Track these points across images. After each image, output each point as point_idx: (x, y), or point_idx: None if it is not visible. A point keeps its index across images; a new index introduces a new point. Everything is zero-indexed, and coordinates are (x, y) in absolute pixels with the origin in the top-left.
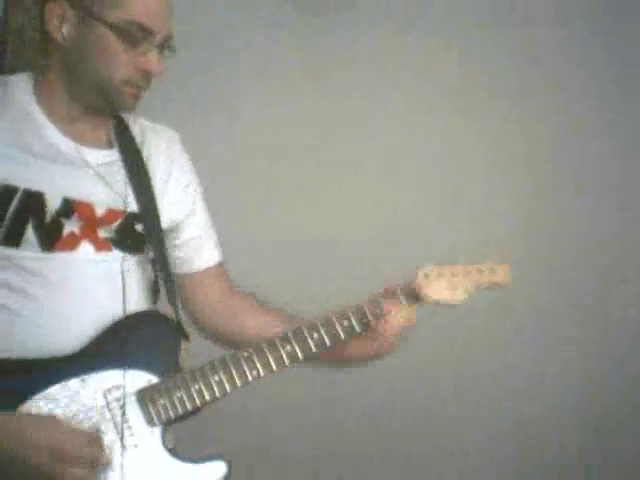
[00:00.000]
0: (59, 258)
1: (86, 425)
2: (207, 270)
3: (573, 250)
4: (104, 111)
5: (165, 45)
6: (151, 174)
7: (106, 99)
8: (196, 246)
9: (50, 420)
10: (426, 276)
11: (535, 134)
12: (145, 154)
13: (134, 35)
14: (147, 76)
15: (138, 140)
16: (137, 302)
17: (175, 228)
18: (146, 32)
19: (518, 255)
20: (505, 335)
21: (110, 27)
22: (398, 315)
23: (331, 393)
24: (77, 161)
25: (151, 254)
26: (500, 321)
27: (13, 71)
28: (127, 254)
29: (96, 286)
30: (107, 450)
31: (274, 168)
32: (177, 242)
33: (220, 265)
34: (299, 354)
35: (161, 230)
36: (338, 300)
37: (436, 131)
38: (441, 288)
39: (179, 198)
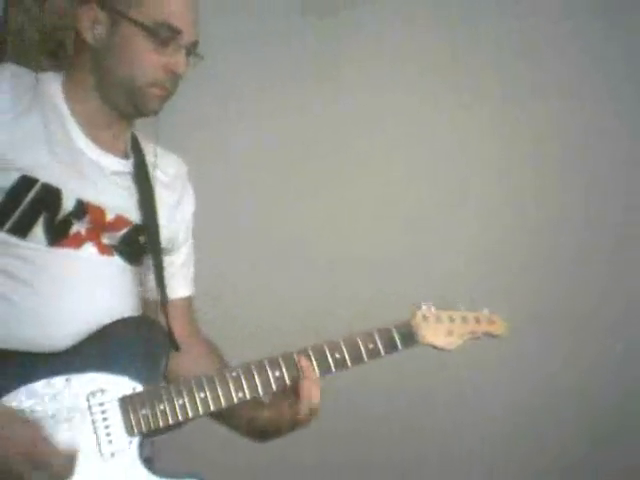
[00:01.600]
0: (63, 253)
1: (65, 425)
2: (176, 301)
3: (577, 252)
4: (129, 114)
5: (191, 49)
6: (157, 195)
7: (133, 100)
8: (174, 274)
9: (32, 421)
10: (424, 318)
11: (545, 133)
12: (154, 175)
13: (163, 35)
14: (174, 78)
15: (149, 160)
16: (132, 309)
17: (165, 251)
18: (175, 32)
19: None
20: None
21: (140, 26)
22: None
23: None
24: (95, 165)
25: (146, 267)
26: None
27: None
28: (127, 263)
29: (95, 287)
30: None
31: (284, 169)
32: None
33: (189, 300)
34: (286, 379)
35: (161, 246)
36: (349, 305)
37: (445, 130)
38: (437, 332)
39: (180, 226)
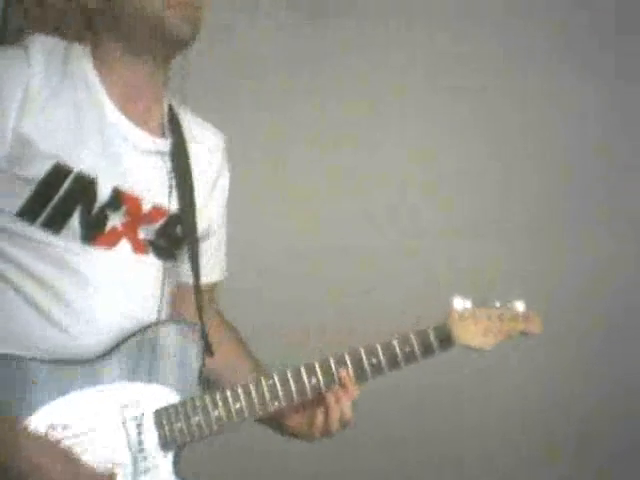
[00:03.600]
0: (97, 254)
1: (100, 442)
2: (207, 286)
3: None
4: (162, 53)
5: None
6: (195, 175)
7: (156, 32)
8: (209, 259)
9: (67, 453)
10: (461, 317)
11: (546, 140)
12: (192, 152)
13: None
14: None
15: (186, 135)
16: (166, 313)
17: (202, 239)
18: None
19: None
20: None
21: None
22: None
23: None
24: (130, 144)
25: (182, 262)
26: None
27: None
28: (162, 260)
29: (130, 290)
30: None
31: (273, 171)
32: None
33: (218, 285)
34: (322, 387)
35: (198, 235)
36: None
37: (440, 133)
38: (475, 332)
39: (216, 210)
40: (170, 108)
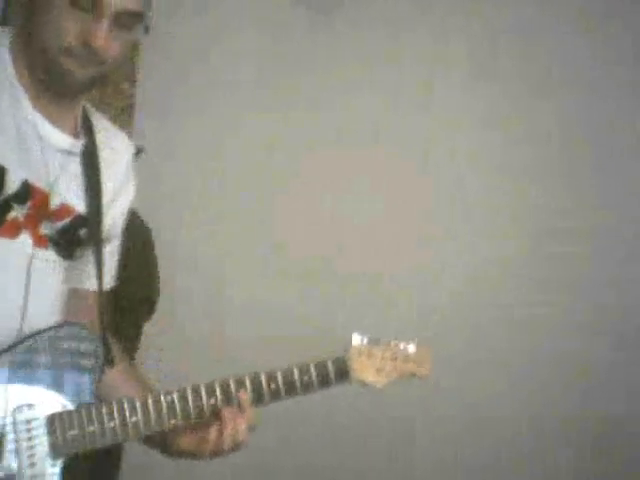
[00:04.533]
0: None
1: None
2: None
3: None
4: (50, 86)
5: (123, 22)
6: (104, 179)
7: (48, 68)
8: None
9: None
10: (359, 353)
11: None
12: (102, 155)
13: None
14: (90, 50)
15: (98, 138)
16: (61, 311)
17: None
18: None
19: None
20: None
21: None
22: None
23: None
24: (45, 141)
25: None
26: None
27: None
28: (61, 257)
29: (25, 284)
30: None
31: (276, 167)
32: None
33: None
34: (220, 408)
35: (102, 237)
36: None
37: (446, 131)
38: (368, 369)
39: (118, 216)
40: (84, 110)
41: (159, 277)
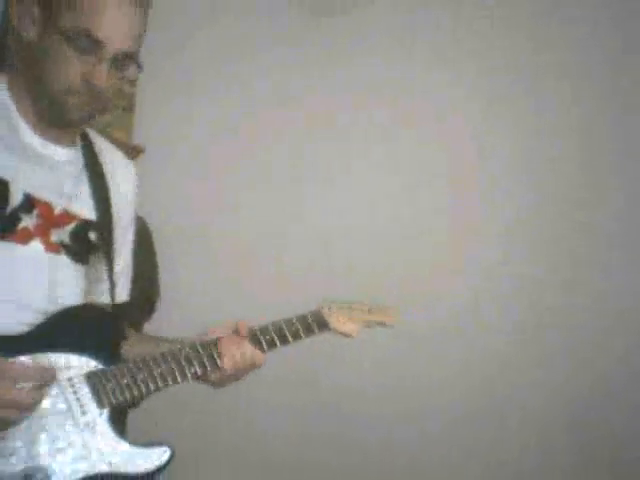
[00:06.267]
0: (9, 247)
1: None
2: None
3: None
4: (54, 123)
5: (120, 62)
6: (111, 187)
7: (52, 107)
8: (117, 277)
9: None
10: (329, 309)
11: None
12: (105, 167)
13: (82, 44)
14: (92, 88)
15: (98, 151)
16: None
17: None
18: (94, 43)
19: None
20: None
21: (61, 33)
22: (238, 354)
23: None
24: (44, 157)
25: (96, 267)
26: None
27: None
28: (73, 262)
29: (39, 284)
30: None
31: (276, 166)
32: None
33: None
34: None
35: (114, 244)
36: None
37: (450, 130)
38: (341, 319)
39: (128, 224)
40: (83, 132)
41: (159, 277)
